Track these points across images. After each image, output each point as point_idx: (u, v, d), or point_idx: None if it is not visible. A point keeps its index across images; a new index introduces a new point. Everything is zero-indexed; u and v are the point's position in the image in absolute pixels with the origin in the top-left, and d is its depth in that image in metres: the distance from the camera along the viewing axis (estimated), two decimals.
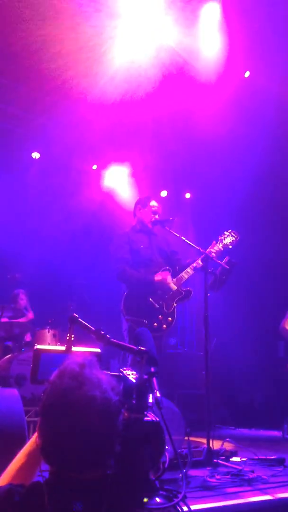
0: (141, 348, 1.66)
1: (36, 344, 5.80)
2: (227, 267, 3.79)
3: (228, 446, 3.54)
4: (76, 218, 7.59)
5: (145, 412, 1.53)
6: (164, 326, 3.86)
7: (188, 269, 3.96)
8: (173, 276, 4.02)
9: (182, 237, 3.95)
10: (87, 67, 5.86)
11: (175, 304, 3.96)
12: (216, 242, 3.95)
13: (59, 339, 5.98)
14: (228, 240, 3.99)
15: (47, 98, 6.41)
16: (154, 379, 1.68)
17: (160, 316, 3.87)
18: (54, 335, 5.95)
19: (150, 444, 1.48)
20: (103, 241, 7.56)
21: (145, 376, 1.58)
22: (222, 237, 4.00)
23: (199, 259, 3.90)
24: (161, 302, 3.91)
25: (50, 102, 6.45)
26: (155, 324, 3.83)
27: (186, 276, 3.96)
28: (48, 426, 1.32)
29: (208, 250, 3.84)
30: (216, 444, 3.32)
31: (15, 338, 5.90)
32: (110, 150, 7.53)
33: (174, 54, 6.13)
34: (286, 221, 8.10)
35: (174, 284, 3.97)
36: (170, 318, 3.91)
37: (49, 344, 5.73)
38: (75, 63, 5.79)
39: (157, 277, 3.93)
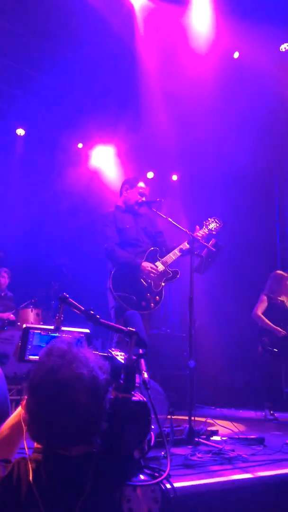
0: (131, 329, 1.65)
1: (19, 324, 5.80)
2: (213, 249, 3.79)
3: (209, 425, 3.59)
4: (61, 197, 7.51)
5: (133, 392, 1.53)
6: (152, 304, 3.89)
7: (176, 251, 3.98)
8: (160, 256, 4.02)
9: (169, 219, 3.93)
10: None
11: (163, 284, 3.97)
12: (201, 228, 3.96)
13: (42, 318, 5.96)
14: (212, 225, 4.04)
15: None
16: (142, 361, 1.68)
17: (148, 294, 3.88)
18: (37, 314, 5.93)
19: (137, 423, 1.49)
20: (87, 220, 7.51)
21: (134, 357, 1.58)
22: (207, 223, 4.05)
23: (186, 241, 3.92)
24: (149, 281, 3.92)
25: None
26: (143, 302, 3.84)
27: (173, 257, 3.98)
28: (35, 403, 1.32)
29: (194, 234, 3.85)
30: (197, 424, 3.37)
31: None
32: (96, 129, 7.43)
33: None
34: (272, 203, 8.15)
35: (162, 264, 3.98)
36: (157, 297, 3.93)
37: (32, 323, 5.71)
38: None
39: (145, 264, 3.92)
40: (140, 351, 1.70)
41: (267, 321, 5.39)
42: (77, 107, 6.87)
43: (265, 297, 5.56)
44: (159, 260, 4.01)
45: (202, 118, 7.12)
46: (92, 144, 7.94)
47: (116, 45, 6.30)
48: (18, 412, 1.55)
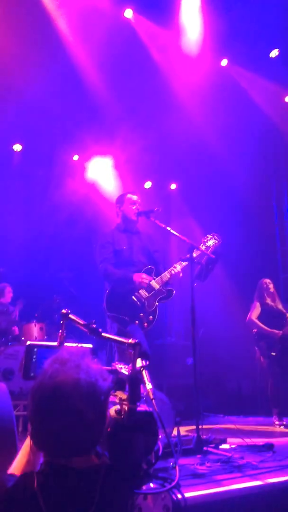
0: (133, 340, 1.66)
1: (23, 339, 5.79)
2: (213, 256, 3.80)
3: (217, 434, 3.57)
4: (60, 210, 7.53)
5: (138, 403, 1.53)
6: (146, 324, 3.82)
7: (166, 273, 3.94)
8: (156, 275, 3.98)
9: (168, 228, 3.93)
10: None
11: (157, 303, 3.92)
12: (199, 244, 3.94)
13: (46, 333, 5.95)
14: (210, 242, 4.03)
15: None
16: (146, 372, 1.69)
17: (141, 314, 3.83)
18: (41, 329, 5.93)
19: (144, 433, 1.49)
20: (87, 233, 7.52)
21: (137, 368, 1.59)
22: (206, 239, 4.04)
23: (178, 262, 3.93)
24: (143, 300, 3.87)
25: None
26: (136, 322, 3.79)
27: (168, 276, 3.93)
28: (33, 409, 1.33)
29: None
30: (205, 432, 3.35)
31: (2, 333, 5.85)
32: (92, 141, 7.47)
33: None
34: (270, 208, 8.17)
35: (157, 283, 3.93)
36: (151, 317, 3.86)
37: (36, 337, 5.70)
38: None
39: (136, 275, 3.91)
40: (143, 362, 1.70)
41: (262, 325, 5.53)
42: (73, 119, 6.92)
43: (257, 303, 5.73)
44: (154, 279, 3.95)
45: (200, 127, 7.18)
46: (89, 156, 7.98)
47: (110, 55, 6.37)
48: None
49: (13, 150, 7.47)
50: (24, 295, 6.62)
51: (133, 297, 3.87)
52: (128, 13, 6.28)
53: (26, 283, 6.87)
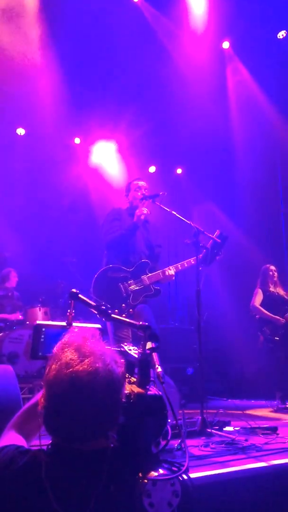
0: (143, 323, 1.65)
1: (28, 323, 5.82)
2: (219, 240, 3.78)
3: (221, 416, 3.60)
4: (64, 195, 7.51)
5: (148, 387, 1.53)
6: (124, 315, 3.79)
7: (159, 272, 3.90)
8: (149, 271, 3.93)
9: (173, 212, 3.91)
10: None
11: (141, 299, 3.85)
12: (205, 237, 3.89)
13: (50, 317, 5.98)
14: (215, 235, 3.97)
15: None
16: (155, 355, 1.68)
17: (123, 305, 3.78)
18: (45, 313, 5.95)
19: (153, 417, 1.49)
20: (91, 217, 7.51)
21: (147, 351, 1.58)
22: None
23: (171, 266, 3.90)
24: (129, 292, 3.82)
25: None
26: (116, 310, 3.76)
27: (161, 276, 3.88)
28: (52, 398, 1.32)
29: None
30: (209, 415, 3.38)
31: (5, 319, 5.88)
32: (96, 125, 7.41)
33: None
34: (277, 194, 8.12)
35: (148, 279, 3.88)
36: (131, 310, 3.77)
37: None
38: None
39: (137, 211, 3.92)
40: (153, 344, 1.70)
41: (265, 311, 5.58)
42: (77, 103, 6.85)
43: (259, 290, 5.77)
44: (147, 275, 3.91)
45: (206, 111, 7.10)
46: (93, 140, 7.92)
47: (116, 39, 6.27)
48: (35, 400, 1.56)
49: (17, 133, 7.41)
50: (28, 280, 6.64)
51: (119, 284, 3.81)
52: None
53: (30, 268, 6.88)
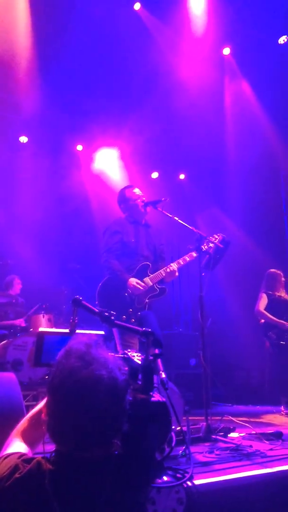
0: (146, 329, 1.64)
1: (31, 330, 5.82)
2: (221, 246, 3.78)
3: (225, 422, 3.58)
4: (67, 201, 7.53)
5: (151, 393, 1.52)
6: (133, 319, 3.74)
7: (161, 271, 3.89)
8: (151, 272, 3.92)
9: (175, 217, 3.91)
10: None
11: (147, 300, 3.86)
12: (207, 243, 3.86)
13: (54, 324, 5.98)
14: (218, 237, 3.93)
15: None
16: (159, 361, 1.67)
17: (130, 310, 3.78)
18: (49, 320, 5.95)
19: (157, 424, 1.48)
20: (94, 224, 7.52)
21: (151, 357, 1.57)
22: (213, 239, 3.92)
23: (176, 261, 3.88)
24: (133, 297, 3.82)
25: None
26: (124, 316, 3.74)
27: (163, 274, 3.88)
28: (56, 405, 1.32)
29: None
30: (214, 421, 3.36)
31: (10, 324, 5.88)
32: (99, 132, 7.45)
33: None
34: (279, 197, 8.12)
35: (150, 280, 3.87)
36: (139, 313, 3.84)
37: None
38: None
39: (131, 280, 3.83)
40: (156, 350, 1.69)
41: (270, 316, 5.55)
42: (79, 110, 6.89)
43: (264, 294, 5.74)
44: (149, 276, 3.90)
45: (207, 117, 7.13)
46: (96, 147, 7.95)
47: (117, 46, 6.32)
48: (39, 407, 1.55)
49: (20, 141, 7.45)
50: (32, 287, 6.64)
51: (123, 290, 3.81)
52: (137, 6, 6.24)
53: (34, 274, 6.89)
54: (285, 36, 6.57)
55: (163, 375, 1.71)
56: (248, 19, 6.16)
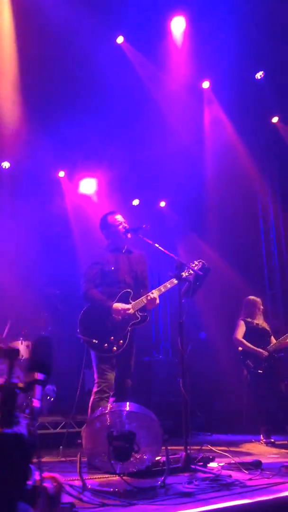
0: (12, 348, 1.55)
1: None
2: (201, 273, 3.82)
3: (205, 452, 3.55)
4: (47, 226, 7.51)
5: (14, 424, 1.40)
6: (115, 348, 3.73)
7: (143, 298, 3.89)
8: (132, 299, 3.92)
9: (156, 244, 3.94)
10: None
11: (129, 328, 3.84)
12: (187, 270, 3.91)
13: None
14: (197, 263, 3.99)
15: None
16: (37, 387, 1.57)
17: (111, 337, 3.77)
18: (27, 346, 5.85)
19: (6, 460, 1.30)
20: (74, 249, 7.51)
21: (15, 380, 1.48)
22: (193, 265, 3.98)
23: (157, 288, 3.92)
24: (115, 324, 3.81)
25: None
26: (105, 345, 3.73)
27: (144, 301, 3.88)
28: None
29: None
30: (193, 451, 3.33)
31: None
32: (80, 161, 7.55)
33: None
34: (257, 225, 8.28)
35: (132, 308, 3.86)
36: (121, 341, 3.77)
37: (22, 355, 5.62)
38: None
39: (116, 305, 3.83)
40: (38, 375, 1.61)
41: (248, 344, 5.56)
42: (62, 140, 6.97)
43: (242, 322, 5.76)
44: (130, 303, 3.89)
45: (186, 146, 7.29)
46: (77, 174, 8.02)
47: (100, 77, 6.46)
48: None
49: (1, 166, 7.47)
50: (10, 312, 6.53)
51: (104, 318, 3.79)
52: (120, 40, 6.42)
53: (12, 299, 6.79)
54: (262, 72, 6.84)
55: (35, 403, 1.59)
56: (227, 56, 6.39)
